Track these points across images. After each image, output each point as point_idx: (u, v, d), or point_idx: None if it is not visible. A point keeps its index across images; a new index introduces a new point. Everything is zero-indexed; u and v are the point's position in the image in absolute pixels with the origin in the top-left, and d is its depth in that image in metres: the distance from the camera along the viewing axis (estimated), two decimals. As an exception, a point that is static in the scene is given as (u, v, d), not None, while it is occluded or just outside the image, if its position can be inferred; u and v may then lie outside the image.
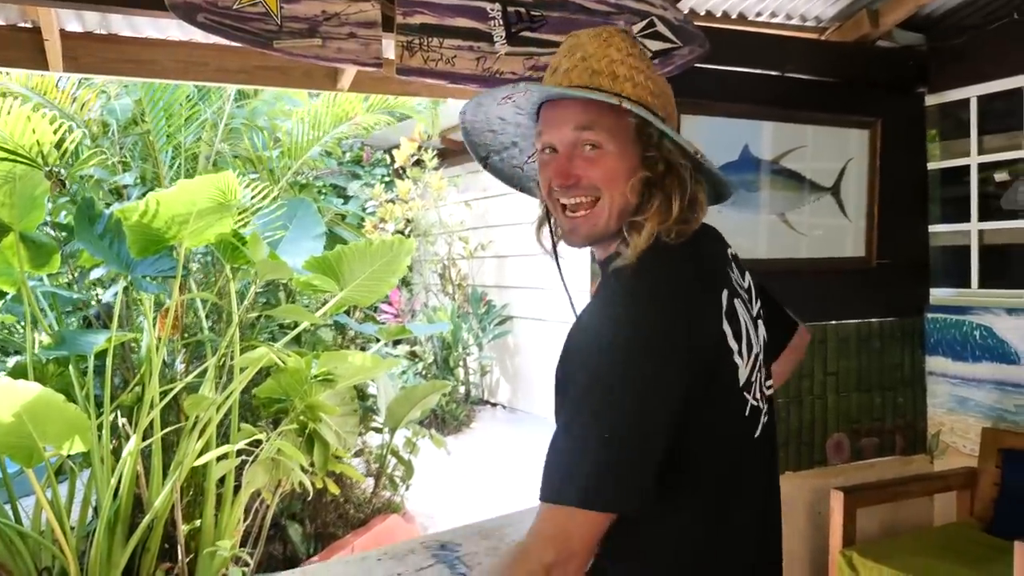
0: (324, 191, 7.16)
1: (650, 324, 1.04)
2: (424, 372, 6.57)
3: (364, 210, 6.59)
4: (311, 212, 3.79)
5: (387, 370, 3.78)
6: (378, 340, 4.50)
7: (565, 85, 1.15)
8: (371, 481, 4.15)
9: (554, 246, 1.28)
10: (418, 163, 6.64)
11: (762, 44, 3.03)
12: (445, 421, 6.38)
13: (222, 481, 3.28)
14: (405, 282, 7.07)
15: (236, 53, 2.86)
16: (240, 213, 3.24)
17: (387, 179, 7.22)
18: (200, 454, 3.09)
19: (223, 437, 3.34)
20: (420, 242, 6.93)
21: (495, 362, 7.14)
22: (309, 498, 3.77)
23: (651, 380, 1.01)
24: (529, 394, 6.85)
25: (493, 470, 5.38)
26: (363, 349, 4.64)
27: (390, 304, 6.85)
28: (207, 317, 3.64)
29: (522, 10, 2.54)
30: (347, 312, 4.48)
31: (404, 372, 6.43)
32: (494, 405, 7.29)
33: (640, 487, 0.99)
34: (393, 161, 6.87)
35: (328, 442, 3.33)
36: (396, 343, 6.92)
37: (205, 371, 3.31)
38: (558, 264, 1.29)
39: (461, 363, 6.77)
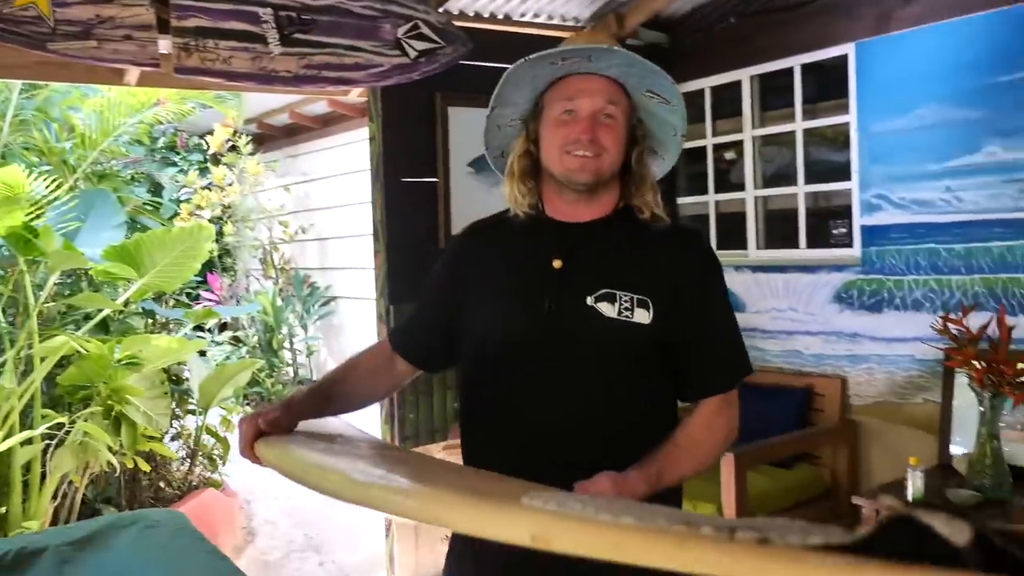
0: (138, 179, 7.06)
1: None
2: (248, 356, 6.66)
3: (178, 198, 6.58)
4: (110, 202, 3.87)
5: (194, 351, 3.93)
6: (202, 327, 4.61)
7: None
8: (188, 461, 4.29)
9: (540, 197, 1.44)
10: (233, 148, 6.68)
11: (525, 42, 3.40)
12: (271, 402, 6.51)
13: (29, 468, 3.36)
14: (225, 268, 7.10)
15: (15, 49, 2.93)
16: (32, 205, 3.31)
17: (204, 165, 7.19)
18: (1, 442, 3.17)
19: (27, 426, 3.41)
20: (239, 227, 6.98)
21: (322, 343, 7.32)
22: (123, 480, 3.89)
23: None
24: (356, 371, 7.03)
25: (317, 444, 5.59)
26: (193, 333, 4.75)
27: (211, 291, 6.88)
28: (3, 310, 3.66)
29: (293, 14, 2.78)
30: (158, 299, 4.57)
31: (228, 357, 6.50)
32: (324, 384, 7.43)
33: None
34: (208, 147, 6.87)
35: (136, 423, 3.47)
36: (221, 329, 6.97)
37: (4, 363, 3.36)
38: (543, 212, 1.45)
39: (286, 345, 6.90)
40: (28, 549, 1.76)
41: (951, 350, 2.74)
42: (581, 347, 1.35)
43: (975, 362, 2.66)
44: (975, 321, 2.71)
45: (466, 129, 3.18)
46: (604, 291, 1.35)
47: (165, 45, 2.66)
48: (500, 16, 3.48)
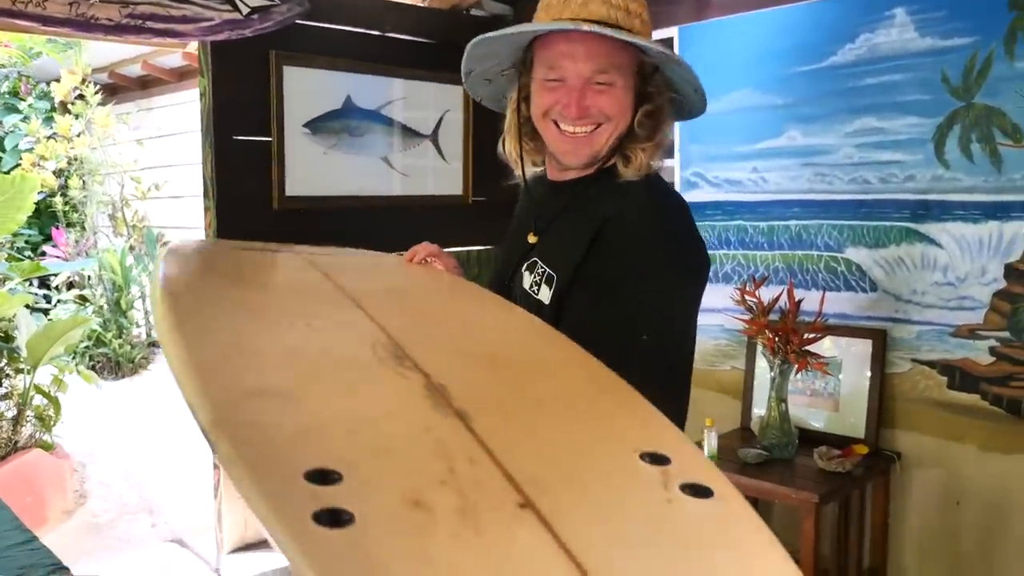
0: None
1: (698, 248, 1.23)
2: (94, 315, 6.43)
3: (18, 148, 6.24)
4: (-73, 147, 3.66)
5: (19, 307, 3.79)
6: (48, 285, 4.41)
7: (583, 17, 1.17)
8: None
9: (521, 162, 1.32)
10: (81, 98, 6.37)
11: (364, 6, 3.42)
12: (120, 364, 6.32)
13: None
14: (71, 224, 6.79)
15: None
16: None
17: (50, 114, 6.83)
18: None
19: None
20: (88, 181, 6.68)
21: (177, 303, 7.11)
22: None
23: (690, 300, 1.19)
24: (213, 333, 6.89)
25: (161, 412, 5.47)
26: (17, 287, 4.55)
27: (57, 247, 6.59)
28: None
29: (115, -40, 2.71)
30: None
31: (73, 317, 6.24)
32: (179, 346, 7.23)
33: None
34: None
35: (-51, 379, 3.33)
36: (69, 287, 6.68)
37: None
38: (524, 179, 1.35)
39: (137, 306, 6.68)
40: None
41: (748, 320, 2.97)
42: None
43: (767, 331, 2.90)
44: (770, 293, 2.94)
45: (303, 89, 3.18)
46: (533, 259, 1.23)
47: (-26, -15, 2.55)
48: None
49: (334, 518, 0.55)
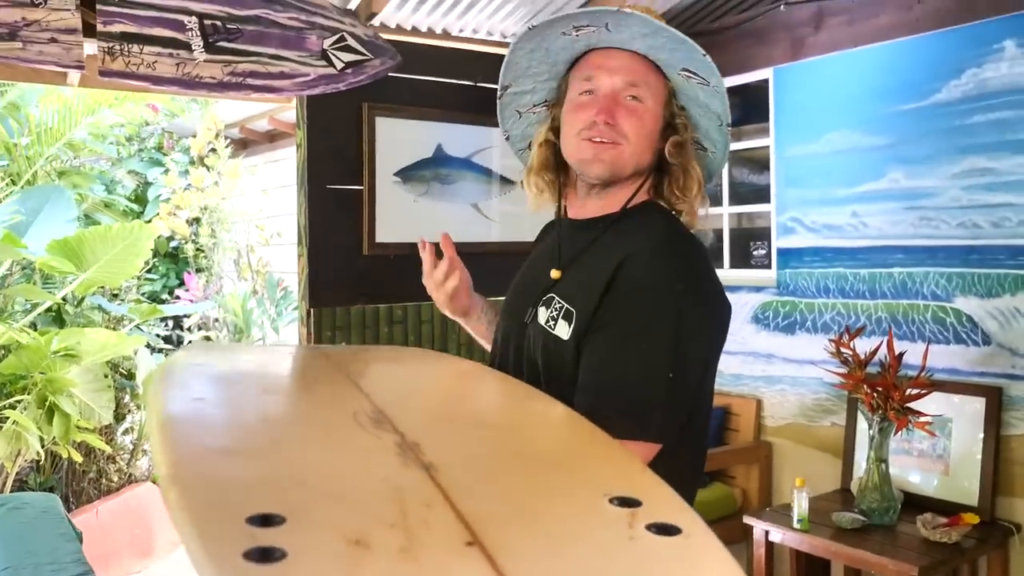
0: (123, 177, 7.24)
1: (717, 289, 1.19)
2: (219, 355, 6.76)
3: (158, 198, 6.72)
4: (64, 198, 3.99)
5: (136, 346, 4.03)
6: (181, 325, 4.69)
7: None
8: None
9: (559, 190, 1.31)
10: (213, 151, 6.81)
11: (455, 57, 3.50)
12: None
13: (-38, 453, 3.46)
14: (200, 269, 7.22)
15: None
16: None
17: (188, 167, 7.33)
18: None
19: (-35, 412, 3.52)
20: (216, 229, 7.10)
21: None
22: (70, 473, 3.99)
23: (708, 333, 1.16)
24: (328, 375, 7.11)
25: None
26: (138, 328, 4.87)
27: (188, 290, 7.01)
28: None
29: (218, 23, 2.89)
30: (115, 295, 4.68)
31: (199, 356, 6.59)
32: (297, 387, 7.50)
33: (679, 425, 1.12)
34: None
35: (69, 414, 3.56)
36: (199, 329, 7.09)
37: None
38: (560, 208, 1.33)
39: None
40: None
41: (844, 374, 2.79)
42: (534, 356, 1.23)
43: (864, 386, 2.71)
44: (870, 345, 2.76)
45: (393, 139, 3.27)
46: (550, 295, 1.22)
47: (92, 48, 2.77)
48: (438, 31, 3.57)
49: (264, 555, 0.54)
